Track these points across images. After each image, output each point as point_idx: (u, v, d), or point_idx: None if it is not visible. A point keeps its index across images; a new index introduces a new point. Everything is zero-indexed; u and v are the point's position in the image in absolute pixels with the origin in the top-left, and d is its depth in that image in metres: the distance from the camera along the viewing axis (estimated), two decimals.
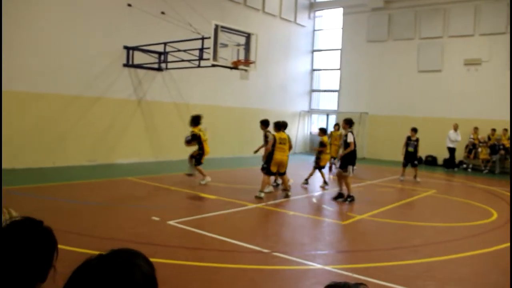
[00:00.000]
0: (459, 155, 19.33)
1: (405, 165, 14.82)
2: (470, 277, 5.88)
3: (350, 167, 10.48)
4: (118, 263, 1.21)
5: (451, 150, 18.98)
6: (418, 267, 6.10)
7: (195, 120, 11.54)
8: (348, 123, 10.59)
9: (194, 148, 11.67)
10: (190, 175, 11.91)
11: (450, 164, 19.07)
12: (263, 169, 10.75)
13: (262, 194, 10.42)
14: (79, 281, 1.18)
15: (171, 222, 7.68)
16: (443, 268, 6.04)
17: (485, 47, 19.64)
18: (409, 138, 14.81)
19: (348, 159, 10.52)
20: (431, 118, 20.41)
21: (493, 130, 18.97)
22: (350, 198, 10.40)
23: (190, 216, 8.19)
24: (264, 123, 11.73)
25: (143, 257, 1.29)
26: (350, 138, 10.36)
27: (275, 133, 10.73)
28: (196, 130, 11.47)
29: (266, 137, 11.41)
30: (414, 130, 14.77)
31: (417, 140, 14.74)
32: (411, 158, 14.68)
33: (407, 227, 8.58)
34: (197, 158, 11.55)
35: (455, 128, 18.96)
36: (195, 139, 11.40)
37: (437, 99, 20.68)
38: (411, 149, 14.68)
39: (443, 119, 20.12)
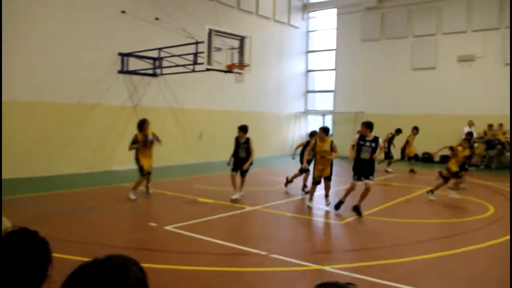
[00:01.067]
0: None
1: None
2: (470, 273, 5.89)
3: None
4: (114, 268, 1.23)
5: None
6: (419, 264, 6.12)
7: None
8: (369, 126, 9.07)
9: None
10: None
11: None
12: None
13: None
14: (75, 285, 1.19)
15: (168, 227, 7.68)
16: (443, 264, 6.05)
17: (478, 43, 19.71)
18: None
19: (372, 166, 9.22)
20: (427, 115, 20.41)
21: (490, 125, 19.01)
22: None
23: (188, 221, 8.17)
24: (244, 129, 10.52)
25: (136, 263, 1.31)
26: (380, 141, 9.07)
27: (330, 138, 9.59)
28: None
29: (246, 143, 10.30)
30: (468, 140, 12.87)
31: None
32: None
33: (405, 225, 8.61)
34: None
35: (470, 124, 18.66)
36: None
37: (432, 96, 20.69)
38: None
39: (439, 116, 20.18)
